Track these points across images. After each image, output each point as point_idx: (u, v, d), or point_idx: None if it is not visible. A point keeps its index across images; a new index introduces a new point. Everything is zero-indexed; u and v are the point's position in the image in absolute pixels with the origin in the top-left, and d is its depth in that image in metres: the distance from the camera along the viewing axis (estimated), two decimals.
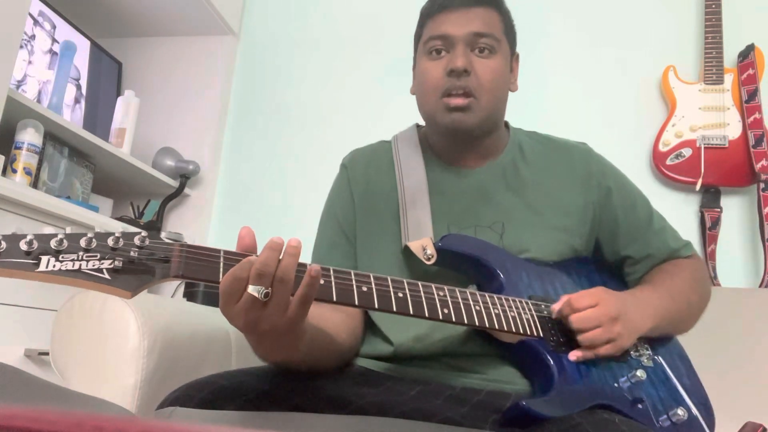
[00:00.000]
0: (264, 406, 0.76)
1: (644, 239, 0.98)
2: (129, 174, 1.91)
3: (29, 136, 1.47)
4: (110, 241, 0.58)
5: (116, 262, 0.58)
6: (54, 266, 0.55)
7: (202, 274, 0.63)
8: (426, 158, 1.00)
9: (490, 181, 0.97)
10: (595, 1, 1.95)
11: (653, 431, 0.77)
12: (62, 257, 0.56)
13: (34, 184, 1.53)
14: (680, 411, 0.79)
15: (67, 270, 0.56)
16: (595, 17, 1.94)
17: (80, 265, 0.56)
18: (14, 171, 1.45)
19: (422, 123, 1.03)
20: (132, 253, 0.59)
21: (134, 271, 0.59)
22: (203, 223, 2.06)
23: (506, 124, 1.03)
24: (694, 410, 0.84)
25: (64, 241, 0.56)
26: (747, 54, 1.72)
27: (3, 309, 1.28)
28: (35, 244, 0.55)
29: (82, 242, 0.57)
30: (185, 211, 2.06)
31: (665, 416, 0.80)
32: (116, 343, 0.93)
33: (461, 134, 0.94)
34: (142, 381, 0.92)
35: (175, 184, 1.99)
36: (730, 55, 1.75)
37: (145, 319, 0.94)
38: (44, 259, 0.55)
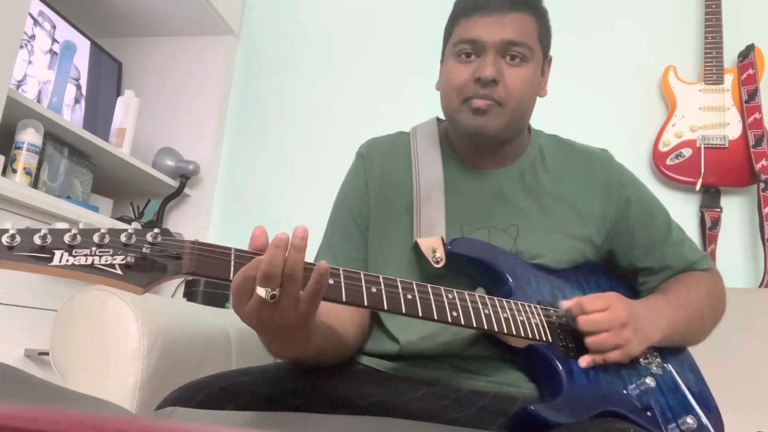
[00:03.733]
0: (264, 408, 0.76)
1: (661, 252, 0.96)
2: (129, 174, 1.91)
3: (29, 136, 1.47)
4: (123, 237, 0.59)
5: (128, 258, 0.58)
6: (67, 261, 0.56)
7: (213, 272, 0.63)
8: (444, 155, 0.98)
9: (507, 183, 0.95)
10: (595, 1, 1.95)
11: None
12: (75, 252, 0.56)
13: (34, 184, 1.53)
14: (689, 419, 0.79)
15: (80, 265, 0.56)
16: (594, 17, 1.94)
17: (93, 260, 0.57)
18: (14, 171, 1.45)
19: (441, 116, 1.00)
20: (144, 250, 0.59)
21: (146, 267, 0.59)
22: (203, 223, 2.06)
23: (528, 127, 1.01)
24: (704, 419, 0.83)
25: (78, 236, 0.57)
26: (747, 54, 1.72)
27: (3, 309, 1.28)
28: (49, 239, 0.55)
29: (95, 237, 0.57)
30: (185, 211, 2.06)
31: (674, 424, 0.79)
32: (116, 343, 0.93)
33: (482, 138, 0.91)
34: (142, 381, 0.92)
35: (175, 184, 1.99)
36: (730, 55, 1.75)
37: (145, 319, 0.94)
38: (57, 253, 0.56)
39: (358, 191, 1.00)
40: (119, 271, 0.57)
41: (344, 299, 0.68)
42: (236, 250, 0.65)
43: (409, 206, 0.94)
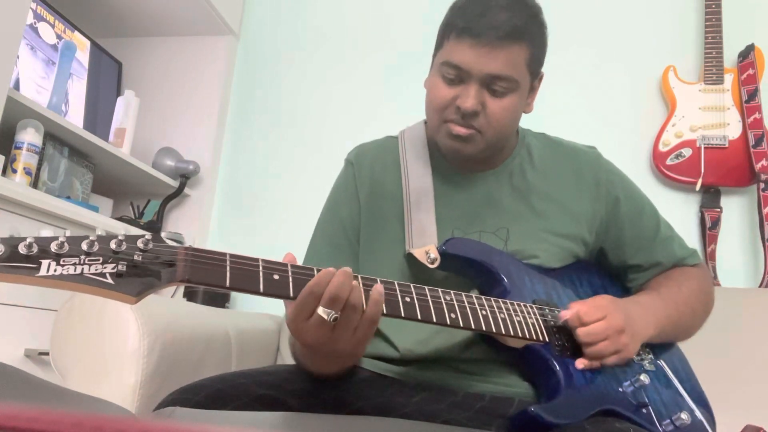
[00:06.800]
0: (263, 410, 0.76)
1: (651, 249, 0.97)
2: (129, 174, 1.91)
3: (29, 136, 1.47)
4: (113, 244, 0.56)
5: (119, 266, 0.55)
6: (55, 270, 0.53)
7: (208, 278, 0.61)
8: (433, 160, 0.98)
9: (496, 186, 0.95)
10: (595, 1, 1.95)
11: None
12: (63, 261, 0.54)
13: (34, 184, 1.53)
14: (683, 415, 0.79)
15: (68, 275, 0.53)
16: (595, 17, 1.94)
17: (82, 269, 0.54)
18: (14, 171, 1.45)
19: None
20: (136, 257, 0.57)
21: (138, 275, 0.56)
22: (203, 223, 2.06)
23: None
24: (698, 414, 0.84)
25: (65, 244, 0.54)
26: (747, 54, 1.72)
27: (3, 309, 1.28)
28: (35, 248, 0.53)
29: (84, 245, 0.55)
30: (185, 211, 2.06)
31: (668, 420, 0.80)
32: (116, 343, 0.93)
33: (459, 159, 0.93)
34: (142, 381, 0.92)
35: (175, 184, 1.99)
36: (730, 55, 1.75)
37: (145, 319, 0.94)
38: (44, 263, 0.53)
39: (349, 199, 0.99)
40: (110, 281, 0.55)
41: None
42: (231, 255, 0.63)
43: (399, 213, 0.94)
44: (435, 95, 0.89)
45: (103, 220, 1.60)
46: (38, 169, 1.54)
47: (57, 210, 1.42)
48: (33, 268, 0.52)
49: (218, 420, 0.70)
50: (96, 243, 0.55)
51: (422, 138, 1.01)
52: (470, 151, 0.89)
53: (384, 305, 0.69)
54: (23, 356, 1.31)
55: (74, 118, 1.85)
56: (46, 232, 0.55)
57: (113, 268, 0.55)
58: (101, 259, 0.55)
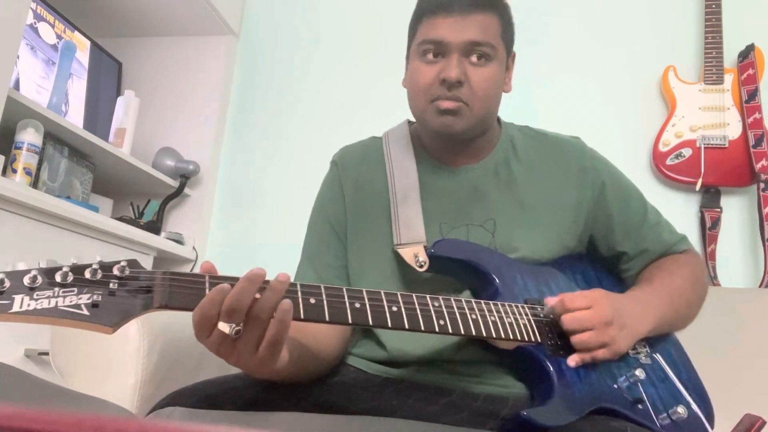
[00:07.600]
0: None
1: (639, 234, 0.96)
2: (129, 174, 1.91)
3: (29, 136, 1.47)
4: (87, 274, 0.55)
5: (95, 296, 0.54)
6: (29, 306, 0.52)
7: (187, 302, 0.59)
8: (417, 156, 0.98)
9: (481, 178, 0.95)
10: (595, 2, 1.95)
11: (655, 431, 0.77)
12: (37, 295, 0.52)
13: (34, 184, 1.53)
14: (680, 409, 0.78)
15: (42, 309, 0.52)
16: (595, 17, 1.94)
17: (56, 302, 0.53)
18: (14, 171, 1.45)
19: (413, 119, 1.00)
20: (112, 285, 0.56)
21: (115, 304, 0.55)
22: (203, 223, 2.06)
23: (498, 120, 1.01)
24: (695, 407, 0.83)
25: (38, 277, 0.53)
26: (747, 54, 1.72)
27: None
28: (6, 283, 0.52)
29: (58, 277, 0.54)
30: (185, 211, 2.06)
31: (665, 414, 0.79)
32: (116, 343, 0.93)
33: (450, 137, 0.92)
34: (142, 381, 0.92)
35: (175, 184, 1.99)
36: (730, 55, 1.75)
37: (145, 319, 0.94)
38: (17, 298, 0.51)
39: (334, 199, 1.00)
40: (85, 312, 0.53)
41: (327, 318, 0.65)
42: (210, 276, 0.62)
43: (386, 210, 0.94)
44: (418, 78, 0.91)
45: (103, 220, 1.60)
46: (38, 169, 1.54)
47: (57, 210, 1.42)
48: (6, 304, 0.51)
49: (217, 420, 0.70)
50: (70, 274, 0.54)
51: (406, 136, 1.02)
52: (460, 127, 0.89)
53: (370, 317, 0.68)
54: (23, 356, 1.31)
55: (74, 118, 1.85)
56: (21, 264, 0.54)
57: (88, 299, 0.54)
58: (76, 289, 0.54)
